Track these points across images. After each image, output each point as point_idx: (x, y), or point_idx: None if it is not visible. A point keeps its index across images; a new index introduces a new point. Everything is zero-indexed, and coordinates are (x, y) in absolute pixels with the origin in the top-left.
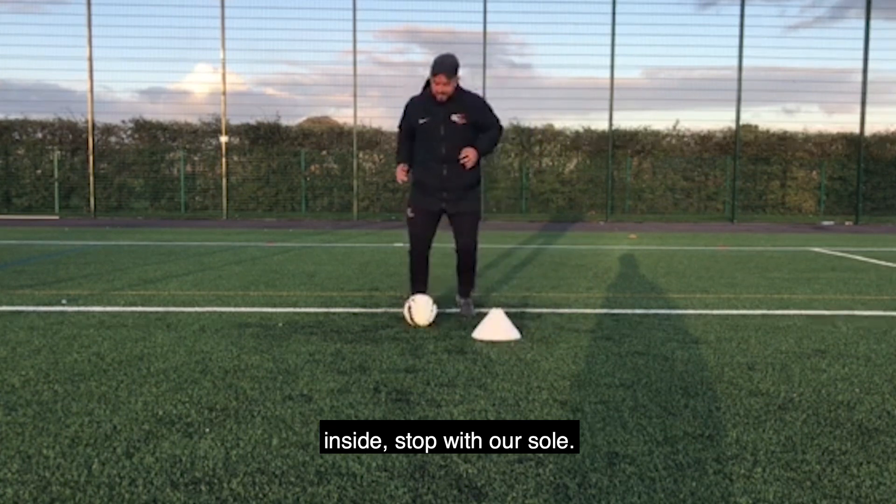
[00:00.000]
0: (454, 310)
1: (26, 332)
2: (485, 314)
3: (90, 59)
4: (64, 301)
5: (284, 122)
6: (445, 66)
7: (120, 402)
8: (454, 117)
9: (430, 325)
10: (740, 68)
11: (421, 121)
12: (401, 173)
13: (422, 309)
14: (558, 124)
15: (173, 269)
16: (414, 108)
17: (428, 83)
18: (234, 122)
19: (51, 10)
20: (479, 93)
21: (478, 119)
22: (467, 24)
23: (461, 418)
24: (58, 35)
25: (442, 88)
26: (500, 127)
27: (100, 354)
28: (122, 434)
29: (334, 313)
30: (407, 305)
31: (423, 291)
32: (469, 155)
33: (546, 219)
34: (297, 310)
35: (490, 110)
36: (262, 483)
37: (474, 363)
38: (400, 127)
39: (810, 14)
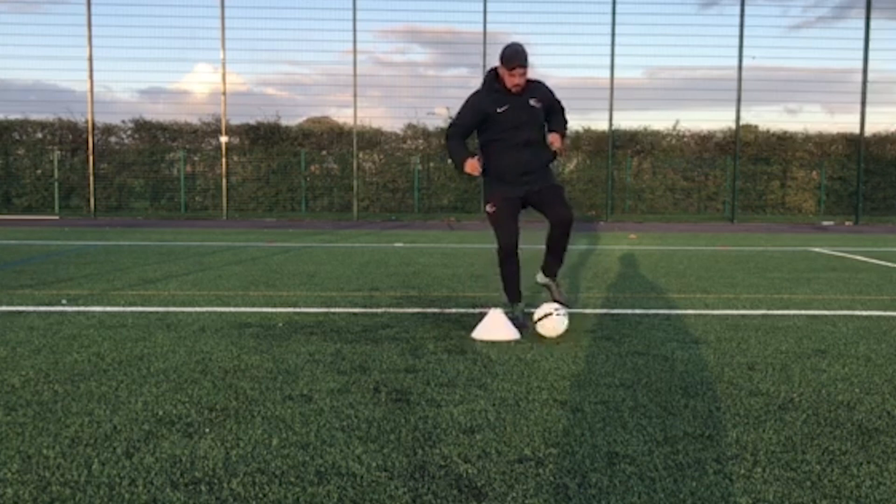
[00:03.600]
0: (454, 310)
1: (26, 332)
2: (485, 314)
3: (90, 59)
4: (64, 301)
5: (284, 122)
6: (523, 57)
7: (120, 402)
8: (532, 101)
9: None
10: (740, 68)
11: (500, 109)
12: (476, 164)
13: (556, 324)
14: None
15: (173, 269)
16: (486, 101)
17: (491, 77)
18: (234, 122)
19: (51, 10)
20: None
21: (551, 102)
22: (468, 24)
23: (461, 418)
24: (58, 35)
25: (519, 80)
26: (563, 108)
27: (100, 354)
28: (122, 434)
29: (334, 313)
30: (542, 317)
31: (519, 298)
32: (556, 141)
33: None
34: (297, 310)
35: (554, 94)
36: (262, 483)
37: (474, 363)
38: (457, 125)
39: (812, 14)
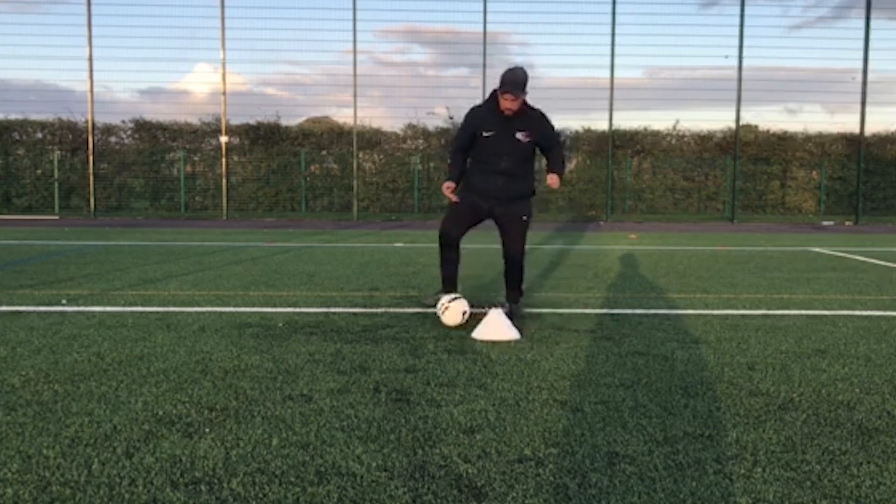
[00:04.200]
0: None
1: (26, 332)
2: (485, 314)
3: (90, 59)
4: (64, 301)
5: (284, 122)
6: (515, 83)
7: (120, 402)
8: (519, 135)
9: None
10: (740, 68)
11: (486, 133)
12: (448, 192)
13: (455, 314)
14: (558, 124)
15: (173, 269)
16: (479, 119)
17: (494, 95)
18: (234, 122)
19: (51, 10)
20: (479, 93)
21: (542, 138)
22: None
23: (461, 418)
24: (58, 35)
25: (509, 105)
26: (560, 143)
27: (100, 354)
28: (122, 434)
29: (334, 313)
30: (442, 307)
31: (453, 289)
32: (554, 183)
33: (546, 219)
34: (297, 310)
35: (553, 128)
36: (262, 483)
37: (474, 363)
38: (457, 140)
39: (812, 14)
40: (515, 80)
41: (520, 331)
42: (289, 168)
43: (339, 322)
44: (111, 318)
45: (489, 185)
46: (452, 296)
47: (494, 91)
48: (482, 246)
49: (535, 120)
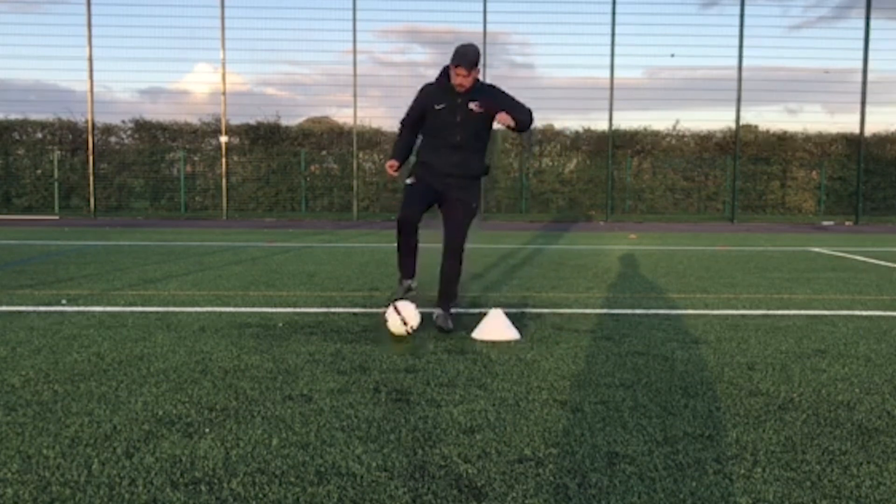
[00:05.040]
0: (454, 310)
1: (26, 332)
2: (485, 314)
3: (90, 59)
4: (64, 301)
5: (284, 122)
6: (466, 58)
7: (120, 402)
8: (471, 105)
9: (407, 333)
10: (740, 68)
11: (437, 106)
12: (391, 170)
13: (396, 324)
14: (558, 124)
15: (173, 269)
16: (429, 95)
17: (444, 72)
18: (234, 122)
19: (51, 10)
20: None
21: (504, 104)
22: (468, 24)
23: (461, 418)
24: (58, 35)
25: (461, 81)
26: (530, 109)
27: (100, 354)
28: (122, 434)
29: (334, 313)
30: (391, 309)
31: (412, 275)
32: (504, 118)
33: (546, 219)
34: (297, 310)
35: (512, 97)
36: (262, 483)
37: (474, 363)
38: (407, 115)
39: (812, 14)
40: (466, 53)
41: (443, 329)
42: (289, 168)
43: (339, 322)
44: (111, 318)
45: (443, 160)
46: (405, 301)
47: (446, 67)
48: (485, 246)
49: (490, 91)
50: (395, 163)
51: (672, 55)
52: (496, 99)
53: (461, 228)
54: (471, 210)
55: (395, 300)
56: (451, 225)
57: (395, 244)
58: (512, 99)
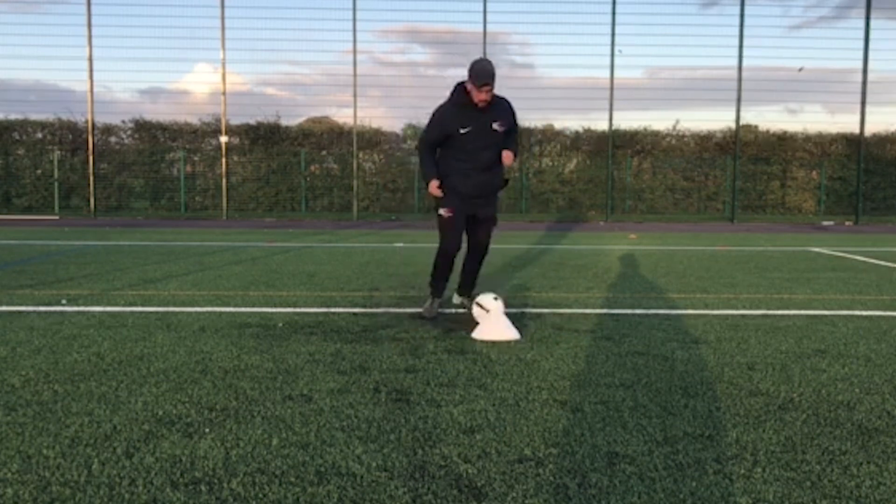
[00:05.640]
0: (454, 310)
1: (26, 332)
2: (485, 314)
3: (90, 59)
4: (64, 301)
5: (284, 122)
6: (493, 75)
7: (120, 402)
8: (495, 125)
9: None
10: (740, 68)
11: (462, 130)
12: (438, 191)
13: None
14: (558, 124)
15: (173, 269)
16: (451, 117)
17: (459, 90)
18: (234, 122)
19: (51, 10)
20: None
21: (511, 124)
22: (468, 24)
23: (461, 418)
24: (58, 35)
25: (486, 97)
26: (518, 130)
27: (100, 354)
28: (122, 434)
29: (334, 313)
30: (477, 310)
31: (441, 295)
32: (508, 160)
33: (546, 219)
34: (297, 310)
35: (514, 115)
36: (262, 483)
37: (474, 363)
38: (428, 140)
39: (813, 14)
40: (488, 70)
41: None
42: (289, 168)
43: (339, 322)
44: (111, 318)
45: (471, 183)
46: (487, 297)
47: (460, 85)
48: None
49: (505, 109)
50: (437, 181)
51: (620, 51)
52: (508, 116)
53: (489, 238)
54: (494, 223)
55: (426, 314)
56: (482, 235)
57: (434, 264)
58: (514, 116)
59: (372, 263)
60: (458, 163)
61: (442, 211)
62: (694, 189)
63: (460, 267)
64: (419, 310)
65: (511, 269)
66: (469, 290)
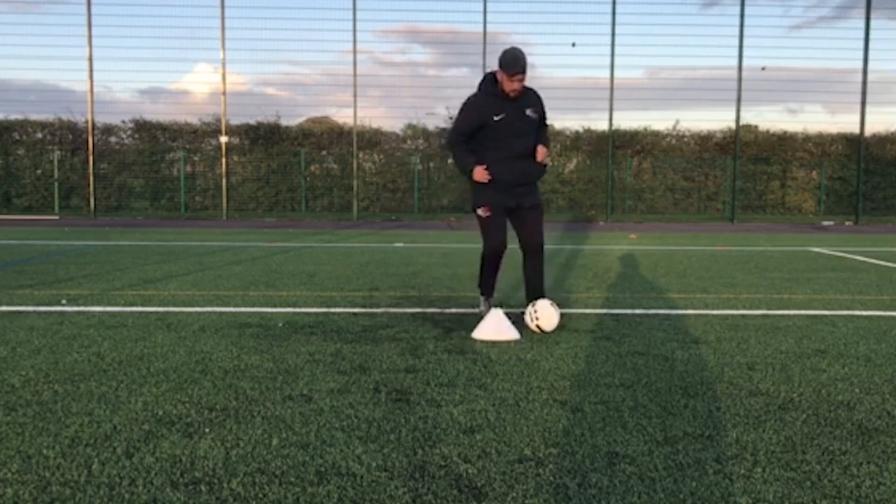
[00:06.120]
0: (454, 310)
1: (26, 332)
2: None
3: (90, 59)
4: (64, 301)
5: (284, 122)
6: (522, 63)
7: (120, 402)
8: (528, 111)
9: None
10: (740, 68)
11: (496, 117)
12: (485, 176)
13: (551, 315)
14: (558, 124)
15: (173, 269)
16: (484, 107)
17: (490, 80)
18: (234, 122)
19: (51, 10)
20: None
21: (543, 112)
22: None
23: (461, 418)
24: (58, 35)
25: (517, 86)
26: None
27: (100, 354)
28: (122, 434)
29: (334, 313)
30: (532, 315)
31: (492, 294)
32: (542, 154)
33: (546, 219)
34: (297, 310)
35: (543, 104)
36: (262, 483)
37: (474, 363)
38: (460, 131)
39: (813, 14)
40: (520, 58)
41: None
42: (289, 168)
43: (339, 322)
44: (111, 318)
45: (510, 172)
46: (542, 304)
47: (490, 75)
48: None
49: (535, 95)
50: (482, 165)
51: (573, 44)
52: (541, 105)
53: (540, 230)
54: (541, 212)
55: (483, 315)
56: (531, 228)
57: (479, 266)
58: (544, 108)
59: (372, 263)
60: (495, 152)
61: (479, 211)
62: (694, 189)
63: (523, 279)
64: (419, 310)
65: (511, 270)
66: (537, 294)
